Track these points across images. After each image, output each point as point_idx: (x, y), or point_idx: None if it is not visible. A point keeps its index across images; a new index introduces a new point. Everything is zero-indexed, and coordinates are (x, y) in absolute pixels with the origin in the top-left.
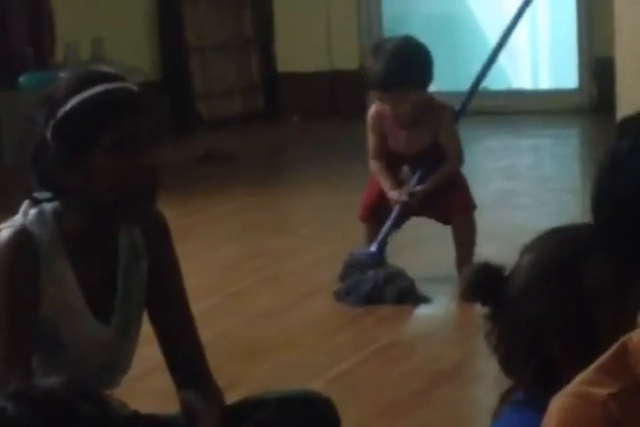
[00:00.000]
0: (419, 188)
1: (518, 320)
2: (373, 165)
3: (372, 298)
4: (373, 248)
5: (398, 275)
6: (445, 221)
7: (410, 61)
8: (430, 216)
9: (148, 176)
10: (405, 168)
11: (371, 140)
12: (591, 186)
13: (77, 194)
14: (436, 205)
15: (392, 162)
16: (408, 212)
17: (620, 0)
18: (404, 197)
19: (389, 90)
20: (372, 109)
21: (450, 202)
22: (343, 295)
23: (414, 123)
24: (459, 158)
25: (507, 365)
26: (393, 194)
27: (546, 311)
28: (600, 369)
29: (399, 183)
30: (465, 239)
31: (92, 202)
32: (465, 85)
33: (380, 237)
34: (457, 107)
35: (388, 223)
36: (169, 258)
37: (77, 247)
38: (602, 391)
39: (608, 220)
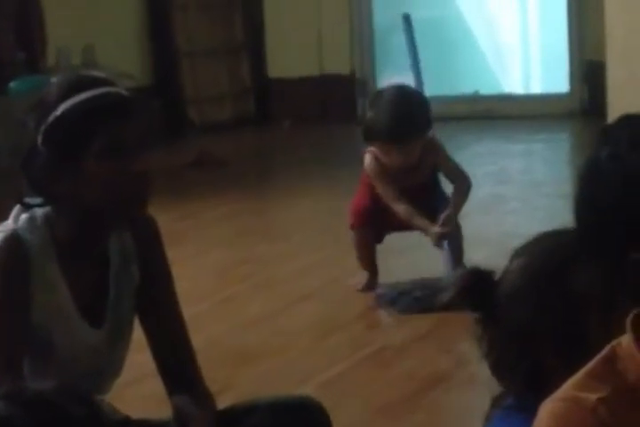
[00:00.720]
0: (447, 213)
1: (508, 325)
2: (400, 209)
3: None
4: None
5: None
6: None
7: (413, 110)
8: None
9: (139, 181)
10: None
11: (383, 188)
12: (573, 193)
13: (69, 199)
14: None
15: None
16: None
17: (611, 5)
18: (444, 229)
19: (400, 141)
20: (369, 159)
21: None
22: (389, 302)
23: (415, 166)
24: (467, 180)
25: (497, 369)
26: (435, 230)
27: (535, 316)
28: (590, 374)
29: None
30: (454, 245)
31: (83, 207)
32: (456, 89)
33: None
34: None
35: (445, 254)
36: (160, 263)
37: (68, 252)
38: (592, 396)
39: (590, 227)
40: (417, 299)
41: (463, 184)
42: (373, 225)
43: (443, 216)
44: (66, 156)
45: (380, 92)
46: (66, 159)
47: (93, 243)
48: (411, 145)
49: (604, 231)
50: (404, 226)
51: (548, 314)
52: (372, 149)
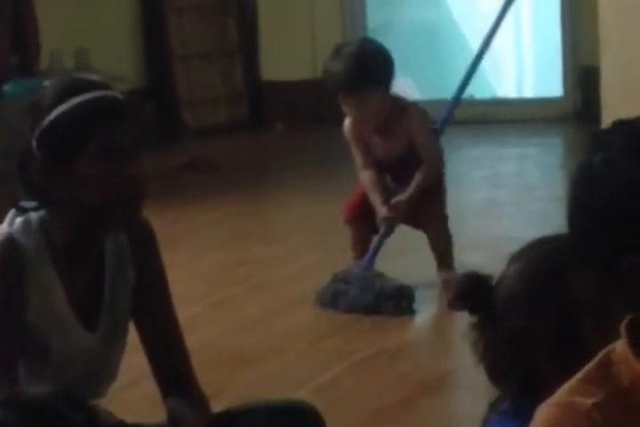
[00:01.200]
0: (400, 197)
1: (504, 330)
2: (364, 176)
3: (362, 309)
4: (364, 263)
5: (400, 290)
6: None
7: (368, 62)
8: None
9: (133, 185)
10: (388, 180)
11: (355, 151)
12: (566, 199)
13: (64, 203)
14: (410, 215)
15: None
16: (394, 226)
17: (605, 9)
18: (388, 214)
19: (351, 91)
20: (347, 120)
21: (421, 213)
22: (328, 302)
23: (387, 128)
24: (435, 161)
25: (493, 374)
26: (381, 212)
27: (531, 321)
28: (584, 379)
29: (389, 196)
30: (441, 248)
31: (78, 211)
32: (449, 93)
33: (370, 253)
34: (441, 117)
35: (377, 239)
36: (155, 266)
37: (63, 256)
38: (586, 401)
39: (584, 232)
40: (356, 298)
41: (429, 165)
42: (366, 219)
43: (393, 200)
44: (61, 160)
45: (344, 44)
46: (61, 163)
47: (88, 246)
48: (365, 97)
49: (598, 236)
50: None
51: (544, 319)
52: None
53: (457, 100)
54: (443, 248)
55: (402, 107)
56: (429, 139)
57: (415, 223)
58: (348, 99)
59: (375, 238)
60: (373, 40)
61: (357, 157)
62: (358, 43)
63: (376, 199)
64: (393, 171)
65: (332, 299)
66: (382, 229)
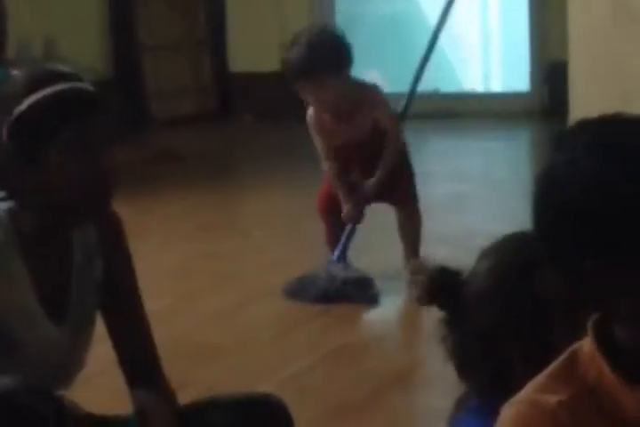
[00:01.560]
0: (371, 181)
1: (474, 325)
2: (328, 168)
3: (329, 296)
4: (334, 257)
5: (365, 281)
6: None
7: (323, 47)
8: (377, 202)
9: (103, 177)
10: (354, 176)
11: (318, 143)
12: (531, 199)
13: (32, 194)
14: (380, 195)
15: (338, 155)
16: (360, 220)
17: (573, 5)
18: (350, 213)
19: (307, 77)
20: (310, 111)
21: (391, 193)
22: (296, 291)
23: (350, 112)
24: (398, 136)
25: (462, 369)
26: (347, 211)
27: (501, 317)
28: (551, 376)
29: (352, 187)
30: (409, 232)
31: (47, 202)
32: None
33: (340, 247)
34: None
35: (346, 233)
36: (123, 258)
37: (32, 247)
38: (552, 398)
39: (548, 231)
40: (324, 289)
41: (390, 144)
42: (338, 211)
43: (361, 195)
44: (31, 150)
45: (300, 33)
46: (31, 153)
47: (57, 237)
48: (322, 82)
49: (562, 236)
50: (376, 200)
51: (514, 315)
52: None
53: (412, 94)
54: (411, 230)
55: (361, 90)
56: (392, 115)
57: (385, 200)
58: (305, 85)
59: (344, 234)
60: (329, 28)
61: (320, 148)
62: (313, 31)
63: (342, 194)
64: (359, 158)
65: (300, 289)
66: (347, 229)
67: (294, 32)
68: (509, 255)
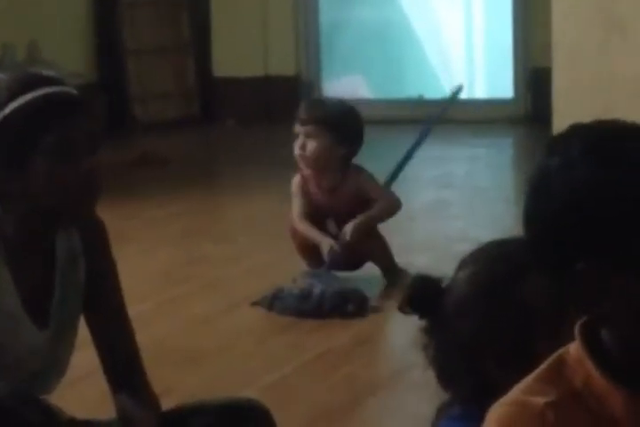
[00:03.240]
0: (351, 224)
1: (455, 335)
2: (301, 225)
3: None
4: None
5: (353, 292)
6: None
7: (335, 109)
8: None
9: (87, 181)
10: (332, 223)
11: (296, 203)
12: (523, 203)
13: (16, 197)
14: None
15: (317, 216)
16: (340, 260)
17: (557, 12)
18: (337, 249)
19: (305, 123)
20: (297, 177)
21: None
22: (267, 303)
23: (334, 188)
24: (392, 199)
25: (443, 378)
26: (326, 242)
27: (482, 326)
28: (538, 378)
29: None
30: (382, 258)
31: (31, 205)
32: (399, 92)
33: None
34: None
35: (324, 270)
36: (107, 262)
37: (15, 250)
38: (539, 400)
39: (539, 236)
40: (297, 301)
41: (384, 202)
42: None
43: (345, 228)
44: (15, 154)
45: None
46: (15, 157)
47: (41, 241)
48: (315, 132)
49: (554, 240)
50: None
51: (494, 325)
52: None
53: (402, 164)
54: (382, 256)
55: (350, 172)
56: (380, 188)
57: (361, 258)
58: (300, 129)
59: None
60: (356, 113)
61: (296, 209)
62: (344, 106)
63: (318, 236)
64: (337, 219)
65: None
66: (328, 261)
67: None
68: (489, 264)
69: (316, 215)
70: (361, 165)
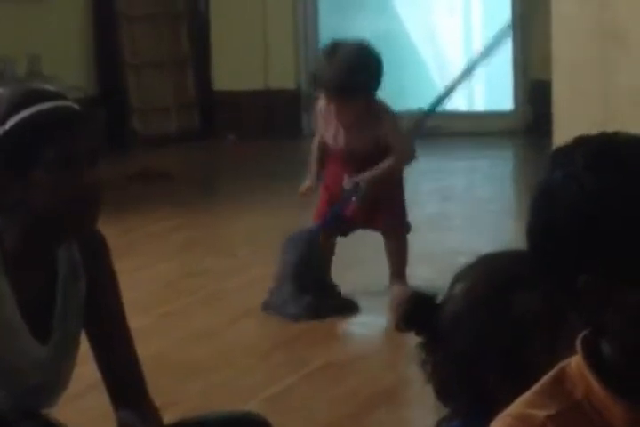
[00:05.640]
0: (360, 177)
1: (451, 350)
2: (315, 141)
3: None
4: (315, 227)
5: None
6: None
7: (361, 69)
8: (365, 228)
9: (88, 195)
10: (347, 179)
11: (316, 123)
12: (526, 216)
13: (18, 211)
14: (370, 221)
15: (335, 158)
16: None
17: (557, 25)
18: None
19: (338, 94)
20: (321, 103)
21: (381, 220)
22: (278, 307)
23: (355, 124)
24: (405, 154)
25: (442, 393)
26: (305, 185)
27: (478, 341)
28: (539, 392)
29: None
30: (396, 257)
31: (32, 219)
32: (399, 103)
33: (329, 217)
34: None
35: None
36: (108, 276)
37: (16, 264)
38: (541, 413)
39: (543, 249)
40: (309, 304)
41: (391, 159)
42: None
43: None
44: (17, 168)
45: (339, 45)
46: (17, 171)
47: (42, 255)
48: (350, 104)
49: (557, 253)
50: (363, 225)
51: (490, 340)
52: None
53: (429, 113)
54: (397, 256)
55: (377, 112)
56: (400, 135)
57: (375, 226)
58: (332, 99)
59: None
60: (368, 46)
61: (318, 127)
62: (354, 47)
63: (309, 175)
64: (355, 165)
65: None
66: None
67: (327, 44)
68: (483, 279)
69: (333, 161)
70: (389, 109)
